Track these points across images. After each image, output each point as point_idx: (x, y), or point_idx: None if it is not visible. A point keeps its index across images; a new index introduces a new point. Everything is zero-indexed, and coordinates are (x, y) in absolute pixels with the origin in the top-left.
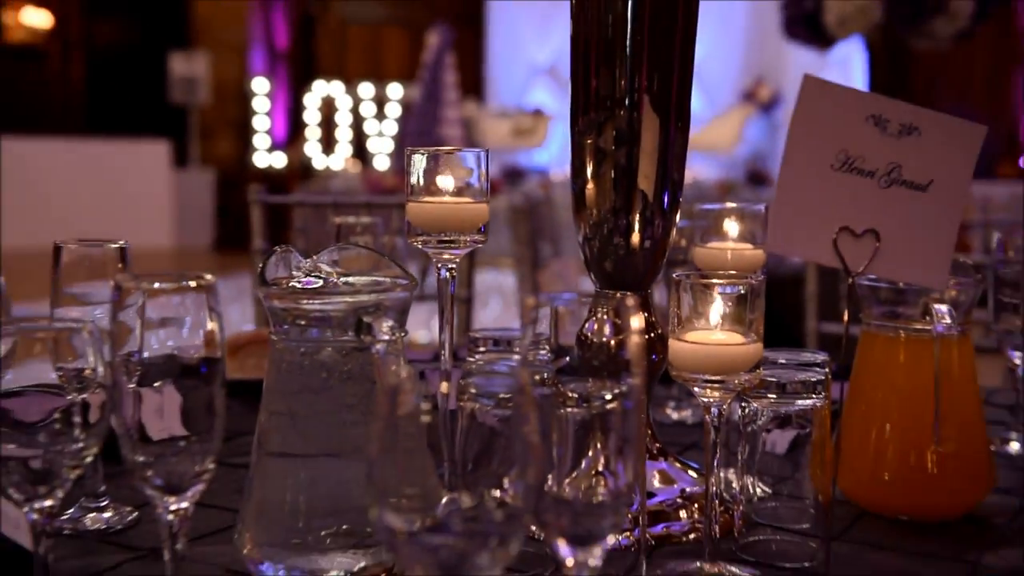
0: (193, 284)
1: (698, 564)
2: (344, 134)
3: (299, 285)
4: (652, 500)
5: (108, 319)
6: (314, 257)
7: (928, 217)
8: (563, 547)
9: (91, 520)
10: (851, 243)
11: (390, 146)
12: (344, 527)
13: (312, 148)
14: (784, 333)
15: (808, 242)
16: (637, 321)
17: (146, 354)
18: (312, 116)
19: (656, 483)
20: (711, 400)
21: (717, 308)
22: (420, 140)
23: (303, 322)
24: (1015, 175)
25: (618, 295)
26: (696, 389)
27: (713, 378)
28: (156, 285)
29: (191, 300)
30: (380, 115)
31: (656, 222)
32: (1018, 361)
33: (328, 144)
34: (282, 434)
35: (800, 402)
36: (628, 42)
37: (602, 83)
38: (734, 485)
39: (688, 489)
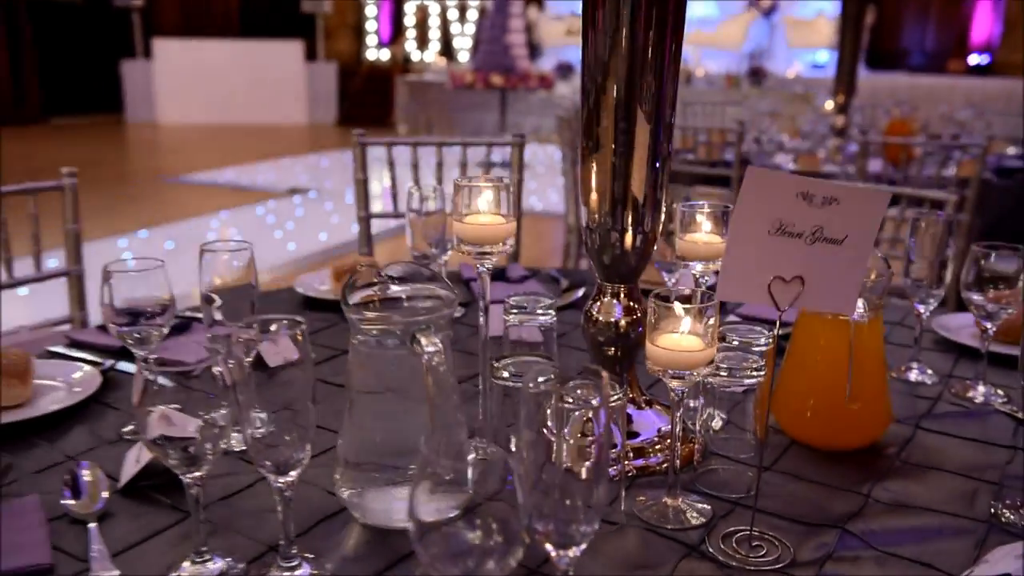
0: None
1: (665, 499)
2: (435, 35)
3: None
4: (635, 439)
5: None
6: (384, 272)
7: (843, 263)
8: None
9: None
10: (782, 287)
11: (469, 44)
12: (403, 466)
13: (410, 45)
14: None
15: (749, 289)
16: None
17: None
18: (410, 20)
19: (640, 426)
20: (676, 386)
21: (679, 321)
22: (492, 39)
23: (375, 332)
24: (962, 71)
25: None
26: (665, 379)
27: (678, 373)
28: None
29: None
30: (462, 19)
31: (645, 223)
32: (921, 309)
33: (422, 42)
34: (363, 405)
35: (747, 380)
36: (626, 72)
37: (604, 106)
38: (696, 423)
39: (663, 428)
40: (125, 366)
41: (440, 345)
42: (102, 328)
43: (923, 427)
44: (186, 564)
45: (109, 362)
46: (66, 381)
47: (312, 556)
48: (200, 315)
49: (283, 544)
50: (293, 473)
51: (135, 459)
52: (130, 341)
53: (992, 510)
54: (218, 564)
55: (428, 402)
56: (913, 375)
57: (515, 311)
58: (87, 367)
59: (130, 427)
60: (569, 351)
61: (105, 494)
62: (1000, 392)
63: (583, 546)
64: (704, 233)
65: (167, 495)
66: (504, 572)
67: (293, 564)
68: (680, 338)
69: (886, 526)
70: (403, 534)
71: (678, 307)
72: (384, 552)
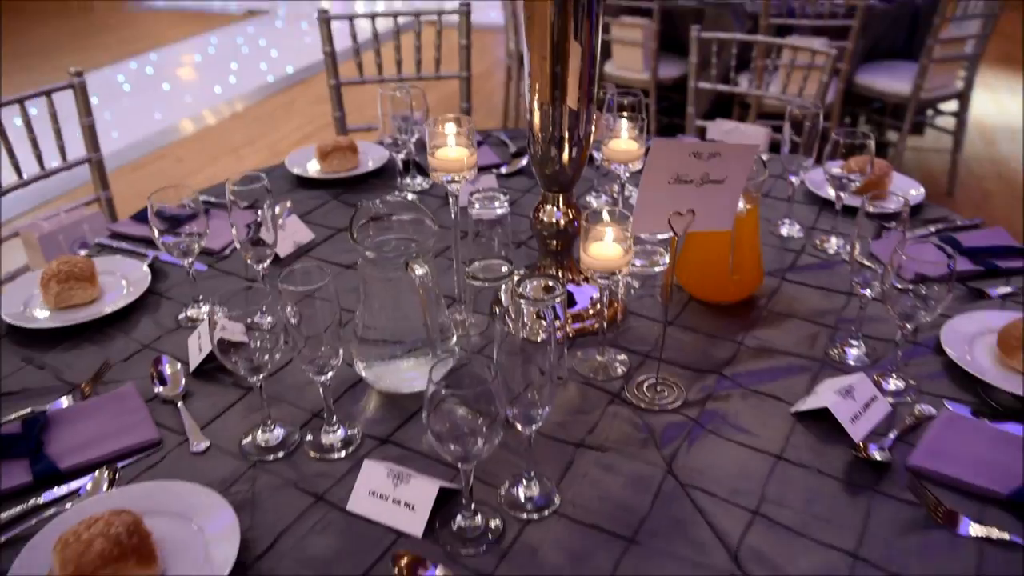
0: None
1: (596, 355)
2: None
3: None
4: (573, 308)
5: None
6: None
7: (723, 196)
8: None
9: None
10: (678, 219)
11: None
12: (407, 345)
13: None
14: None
15: (657, 224)
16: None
17: None
18: None
19: (578, 297)
20: (603, 283)
21: (604, 235)
22: None
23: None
24: None
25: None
26: (594, 278)
27: (604, 275)
28: None
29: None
30: None
31: (579, 139)
32: (793, 179)
33: None
34: (373, 296)
35: (656, 269)
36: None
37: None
38: (620, 286)
39: (594, 296)
40: (165, 256)
41: (427, 268)
42: (135, 219)
43: (787, 279)
44: (258, 433)
45: (151, 253)
46: (124, 276)
47: (346, 421)
48: (215, 199)
49: (326, 415)
50: (330, 373)
51: (198, 347)
52: (175, 253)
53: (827, 350)
54: (280, 431)
55: (420, 306)
56: (784, 230)
57: (477, 205)
58: (134, 260)
59: (183, 315)
60: (520, 219)
61: (183, 380)
62: (848, 246)
63: (540, 423)
64: (623, 141)
65: (228, 374)
66: (492, 446)
67: (334, 428)
68: (605, 247)
69: (750, 368)
70: (410, 397)
71: (604, 227)
72: (397, 413)
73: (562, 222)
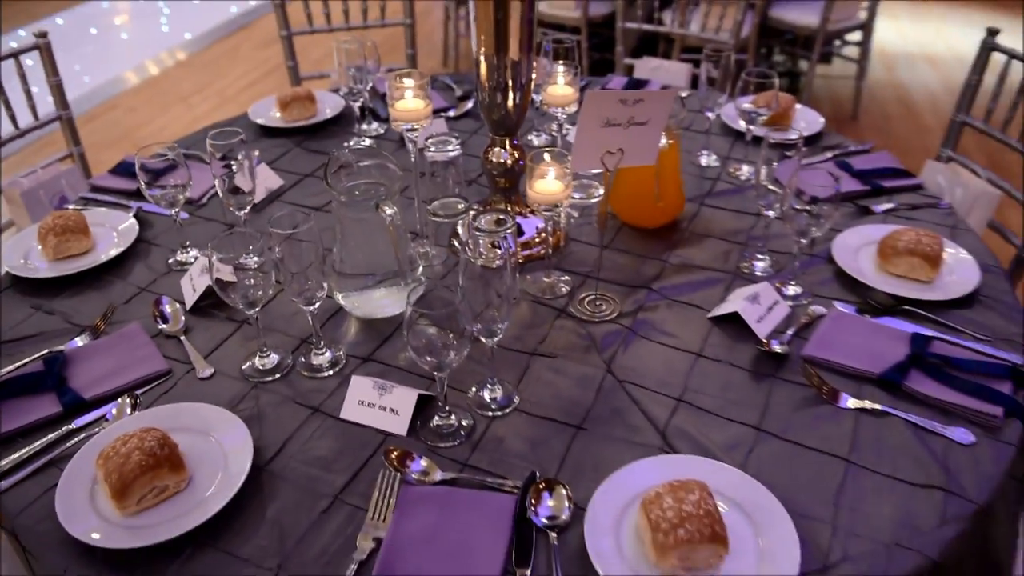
0: None
1: (543, 277)
2: None
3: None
4: (523, 236)
5: None
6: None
7: (647, 135)
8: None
9: None
10: (609, 157)
11: None
12: (379, 276)
13: None
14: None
15: (591, 162)
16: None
17: None
18: None
19: (525, 228)
20: (547, 214)
21: (547, 173)
22: None
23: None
24: None
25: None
26: (539, 211)
27: (547, 207)
28: None
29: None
30: None
31: (521, 85)
32: (710, 115)
33: None
34: (347, 233)
35: (591, 200)
36: None
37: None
38: (562, 217)
39: (540, 227)
40: (148, 206)
41: (395, 208)
42: (113, 172)
43: (705, 204)
44: (255, 359)
45: (135, 205)
46: (112, 228)
47: (332, 344)
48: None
49: (315, 340)
50: (317, 304)
51: (191, 287)
52: (163, 204)
53: (737, 264)
54: (275, 356)
55: (391, 242)
56: (703, 160)
57: (433, 148)
58: (119, 212)
59: (172, 259)
60: (469, 159)
61: (183, 317)
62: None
63: (500, 336)
64: (560, 87)
65: (221, 310)
66: (460, 357)
67: (322, 351)
68: (547, 183)
69: (674, 282)
70: (384, 322)
71: (547, 166)
72: (375, 335)
73: (509, 162)
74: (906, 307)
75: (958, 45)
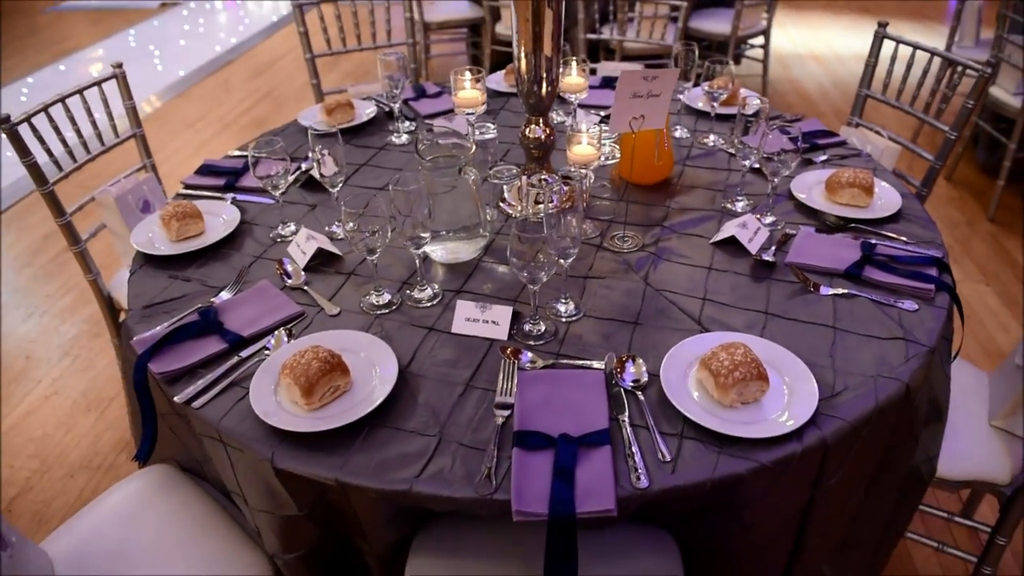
0: None
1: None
2: None
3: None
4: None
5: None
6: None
7: (660, 105)
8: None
9: None
10: (636, 120)
11: None
12: (457, 228)
13: None
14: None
15: (623, 124)
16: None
17: None
18: None
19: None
20: (580, 174)
21: (583, 139)
22: None
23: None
24: None
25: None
26: (576, 169)
27: (580, 167)
28: None
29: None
30: None
31: (552, 77)
32: (681, 96)
33: None
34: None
35: (610, 162)
36: None
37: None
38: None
39: (565, 188)
40: (241, 196)
41: (475, 172)
42: (200, 172)
43: (686, 164)
44: (371, 297)
45: (230, 196)
46: (215, 214)
47: (429, 282)
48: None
49: (419, 278)
50: (424, 246)
51: (301, 251)
52: (269, 187)
53: (722, 204)
54: (387, 295)
55: (473, 199)
56: (677, 133)
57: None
58: (216, 202)
59: (274, 233)
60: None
61: (303, 274)
62: (721, 139)
63: (543, 280)
64: (574, 77)
65: (330, 267)
66: (549, 274)
67: (424, 288)
68: (583, 148)
69: (679, 220)
70: (463, 264)
71: (582, 135)
72: (458, 276)
73: (542, 136)
74: (852, 224)
75: (835, 45)
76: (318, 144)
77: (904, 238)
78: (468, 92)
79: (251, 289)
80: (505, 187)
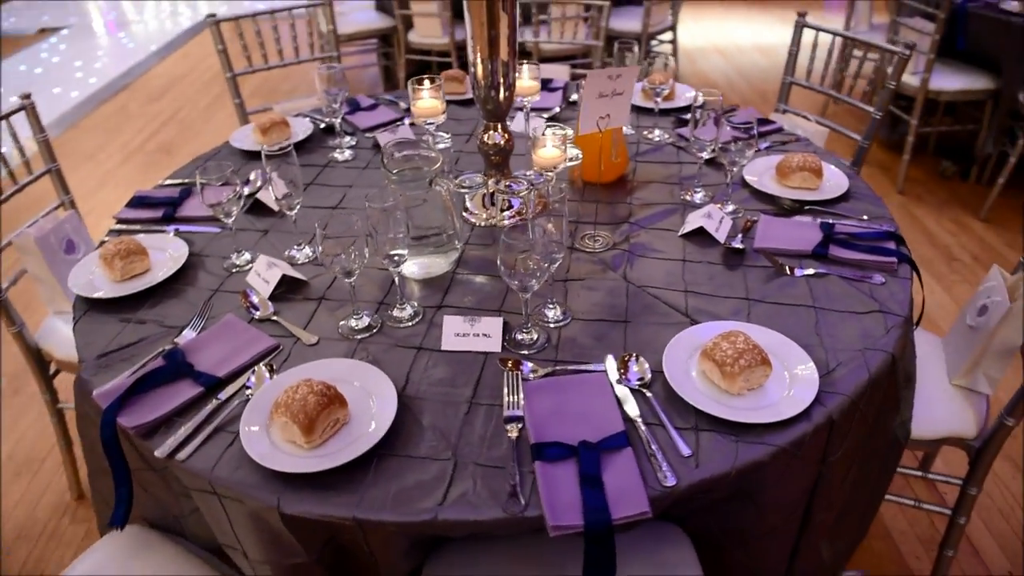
0: None
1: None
2: None
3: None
4: (514, 206)
5: None
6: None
7: (621, 103)
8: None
9: None
10: (603, 120)
11: None
12: (431, 240)
13: None
14: None
15: (591, 124)
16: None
17: None
18: None
19: (513, 201)
20: (546, 174)
21: (547, 143)
22: None
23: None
24: None
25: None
26: (544, 173)
27: (547, 169)
28: None
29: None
30: None
31: (510, 82)
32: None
33: None
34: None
35: (570, 163)
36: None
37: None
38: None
39: (523, 198)
40: (183, 227)
41: (447, 183)
42: (132, 204)
43: (638, 160)
44: (351, 321)
45: (172, 228)
46: (161, 249)
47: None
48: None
49: (399, 297)
50: (403, 265)
51: (263, 280)
52: (220, 214)
53: (681, 197)
54: (365, 318)
55: (447, 209)
56: (625, 130)
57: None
58: (156, 235)
59: (228, 262)
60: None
61: (269, 304)
62: (667, 134)
63: (535, 288)
64: (527, 80)
65: (296, 294)
66: (539, 281)
67: (404, 306)
68: (548, 151)
69: (643, 215)
70: (436, 279)
71: (547, 138)
72: (434, 293)
73: (501, 142)
74: (807, 207)
75: (735, 37)
76: (269, 165)
77: (858, 217)
78: (427, 102)
79: (216, 325)
80: (467, 196)
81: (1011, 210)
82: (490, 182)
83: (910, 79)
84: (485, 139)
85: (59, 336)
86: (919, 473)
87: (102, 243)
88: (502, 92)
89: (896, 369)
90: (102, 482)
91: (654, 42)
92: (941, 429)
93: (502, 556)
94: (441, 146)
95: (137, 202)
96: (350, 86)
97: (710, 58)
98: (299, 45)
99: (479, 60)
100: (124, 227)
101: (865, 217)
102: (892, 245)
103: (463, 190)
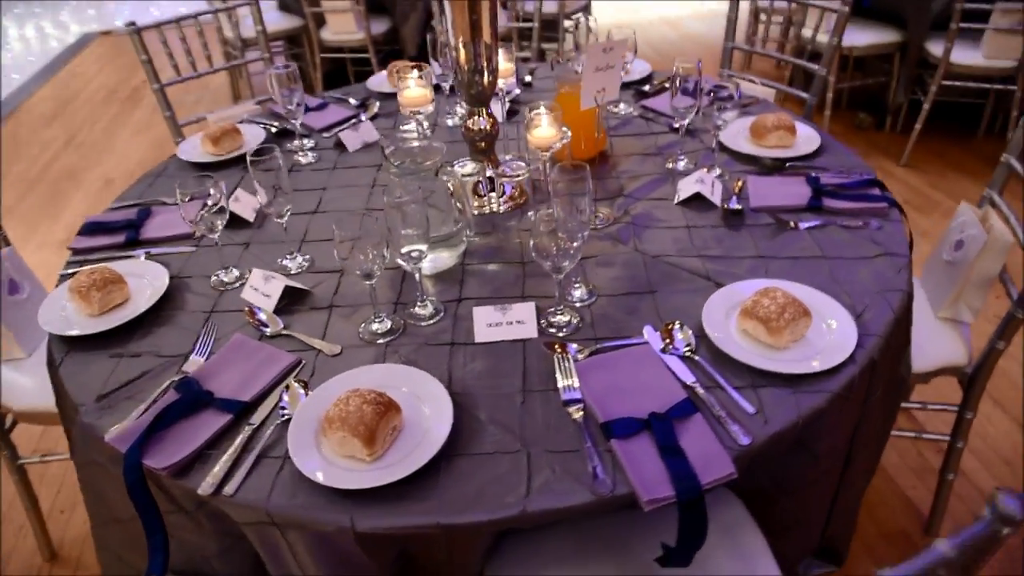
0: None
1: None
2: None
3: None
4: (506, 192)
5: None
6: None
7: (613, 76)
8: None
9: None
10: (599, 93)
11: None
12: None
13: None
14: None
15: (590, 96)
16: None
17: None
18: None
19: (506, 187)
20: (542, 156)
21: (542, 123)
22: None
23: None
24: None
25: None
26: (539, 153)
27: (543, 149)
28: None
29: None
30: None
31: (493, 65)
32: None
33: None
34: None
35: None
36: None
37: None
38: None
39: (515, 183)
40: (153, 250)
41: (454, 171)
42: (85, 232)
43: (612, 135)
44: (372, 325)
45: (140, 251)
46: (137, 275)
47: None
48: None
49: (419, 294)
50: (423, 261)
51: (262, 295)
52: (203, 229)
53: (666, 166)
54: (386, 321)
55: (458, 198)
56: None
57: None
58: (125, 261)
59: (215, 279)
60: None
61: (278, 319)
62: (631, 107)
63: (568, 268)
64: (503, 63)
65: (301, 305)
66: (574, 262)
67: (424, 304)
68: (543, 131)
69: (635, 187)
70: (446, 272)
71: (541, 117)
72: (449, 287)
73: (487, 127)
74: (788, 164)
75: (642, 12)
76: (256, 177)
77: (838, 168)
78: (414, 91)
79: (226, 348)
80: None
81: (929, 153)
82: (488, 169)
83: (822, 37)
84: (470, 125)
85: (15, 385)
86: (919, 405)
87: (63, 277)
88: (486, 76)
89: (911, 306)
90: (111, 534)
91: (569, 23)
92: (936, 361)
93: (562, 540)
94: (418, 140)
95: (91, 228)
96: (260, 91)
97: (624, 34)
98: (211, 53)
99: (460, 45)
100: (83, 258)
101: (837, 168)
102: (877, 191)
103: (468, 178)
